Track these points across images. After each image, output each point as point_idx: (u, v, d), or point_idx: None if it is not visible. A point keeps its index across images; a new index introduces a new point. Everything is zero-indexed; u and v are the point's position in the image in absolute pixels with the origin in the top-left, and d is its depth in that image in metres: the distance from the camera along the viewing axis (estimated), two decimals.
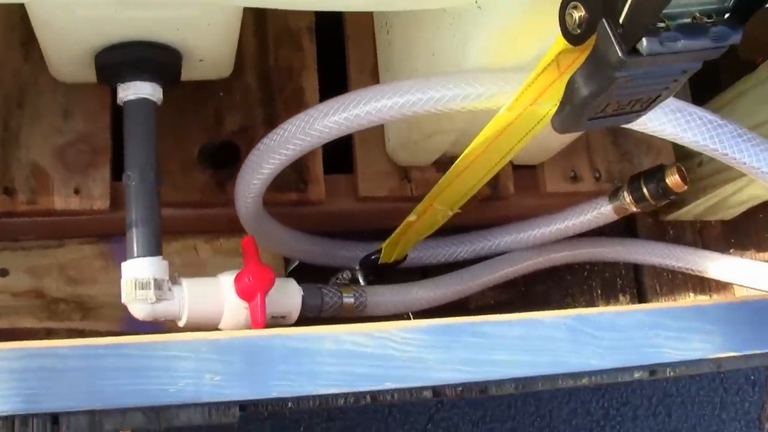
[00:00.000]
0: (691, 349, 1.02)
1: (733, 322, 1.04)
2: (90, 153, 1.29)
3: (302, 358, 0.89)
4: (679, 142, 1.08)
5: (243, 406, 1.49)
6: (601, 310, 1.00)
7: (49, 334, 1.33)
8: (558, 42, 0.87)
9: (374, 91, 1.05)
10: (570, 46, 0.84)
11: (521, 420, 2.03)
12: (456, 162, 1.09)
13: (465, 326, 0.93)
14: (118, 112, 1.24)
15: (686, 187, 1.34)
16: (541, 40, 0.93)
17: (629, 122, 0.94)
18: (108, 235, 1.36)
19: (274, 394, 0.89)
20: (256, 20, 1.39)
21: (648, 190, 1.36)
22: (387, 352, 0.91)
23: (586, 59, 0.84)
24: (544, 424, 2.04)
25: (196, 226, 1.38)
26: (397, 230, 1.27)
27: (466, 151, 1.07)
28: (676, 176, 1.34)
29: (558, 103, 0.93)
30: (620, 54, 0.78)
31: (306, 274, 1.42)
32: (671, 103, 1.07)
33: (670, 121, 1.06)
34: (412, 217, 1.23)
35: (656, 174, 1.36)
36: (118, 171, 1.28)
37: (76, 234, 1.35)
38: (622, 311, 1.01)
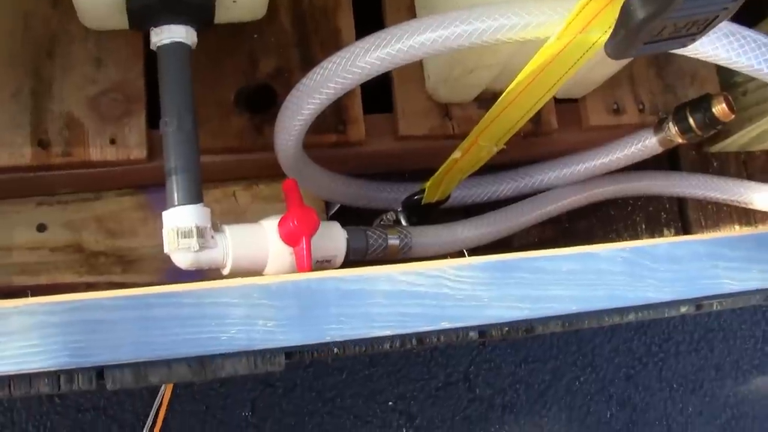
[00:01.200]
0: (751, 279, 0.99)
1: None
2: (124, 102, 1.26)
3: (356, 300, 0.87)
4: (734, 67, 1.04)
5: (288, 353, 1.49)
6: (657, 241, 0.97)
7: (89, 288, 1.31)
8: None
9: (416, 24, 1.02)
10: None
11: (563, 359, 2.02)
12: (502, 96, 1.06)
13: (520, 262, 0.91)
14: (151, 60, 1.22)
15: (734, 116, 1.31)
16: None
17: (684, 46, 0.91)
18: (146, 186, 1.34)
19: (328, 338, 0.87)
20: None
21: (694, 121, 1.33)
22: (442, 291, 0.89)
23: None
24: (586, 362, 2.03)
25: (235, 172, 1.35)
26: (441, 168, 1.24)
27: (511, 85, 1.04)
28: (723, 105, 1.31)
29: (609, 29, 0.90)
30: None
31: (347, 217, 1.40)
32: (724, 26, 1.03)
33: (723, 45, 1.02)
34: (456, 154, 1.20)
35: (703, 103, 1.33)
36: (153, 120, 1.27)
37: (113, 186, 1.32)
38: (678, 242, 0.98)
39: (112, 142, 1.25)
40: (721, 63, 1.05)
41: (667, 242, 0.97)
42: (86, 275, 1.31)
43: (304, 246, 1.13)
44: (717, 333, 2.13)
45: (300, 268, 1.14)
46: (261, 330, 0.86)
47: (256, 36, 1.31)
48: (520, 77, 1.03)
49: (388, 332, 0.88)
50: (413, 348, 1.48)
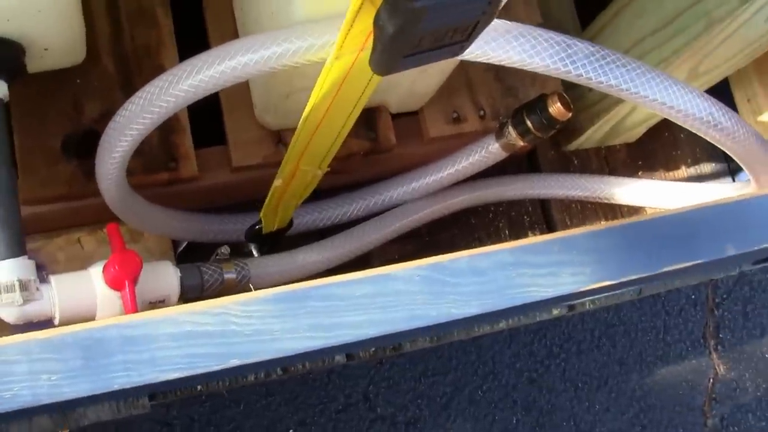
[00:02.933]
0: (562, 284, 0.98)
1: (602, 249, 1.01)
2: None
3: (140, 345, 0.85)
4: (529, 68, 1.04)
5: (152, 395, 1.46)
6: (457, 255, 0.95)
7: None
8: None
9: (206, 57, 1.01)
10: None
11: (464, 369, 2.01)
12: (302, 121, 1.05)
13: (309, 291, 0.89)
14: None
15: (570, 114, 1.30)
16: None
17: (455, 54, 0.90)
18: None
19: (116, 386, 0.84)
20: (107, 0, 1.33)
21: (532, 122, 1.32)
22: (229, 329, 0.87)
23: None
24: (487, 370, 2.02)
25: (74, 219, 1.33)
26: (269, 197, 1.22)
27: (308, 108, 1.03)
28: (558, 104, 1.30)
29: None
30: None
31: (199, 252, 1.38)
32: (515, 28, 1.02)
33: (514, 48, 1.01)
34: (278, 182, 1.18)
35: (538, 105, 1.32)
36: None
37: None
38: (480, 253, 0.96)
39: None
40: (517, 65, 1.04)
41: (468, 255, 0.95)
42: None
43: (128, 290, 1.11)
44: (618, 328, 2.13)
45: (126, 311, 1.12)
46: (45, 384, 0.84)
47: (78, 81, 1.29)
48: (315, 100, 1.01)
49: (176, 375, 0.86)
50: (279, 376, 1.47)
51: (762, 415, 2.20)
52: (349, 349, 0.93)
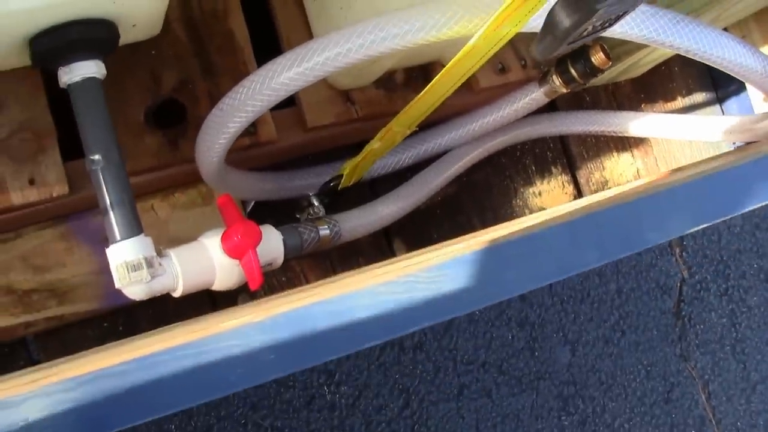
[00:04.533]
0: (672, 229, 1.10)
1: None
2: (35, 140, 1.24)
3: (344, 317, 0.92)
4: (629, 38, 1.13)
5: None
6: (590, 205, 1.05)
7: (28, 327, 1.31)
8: None
9: (335, 37, 1.06)
10: None
11: None
12: (425, 90, 1.12)
13: (482, 253, 0.98)
14: (53, 91, 1.21)
15: (611, 63, 1.41)
16: None
17: (596, 36, 0.99)
18: (63, 215, 1.34)
19: (325, 360, 0.92)
20: None
21: (576, 71, 1.42)
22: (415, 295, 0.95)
23: None
24: None
25: (153, 187, 1.36)
26: (360, 157, 1.29)
27: (434, 80, 1.10)
28: (601, 54, 1.40)
29: (519, 24, 0.97)
30: None
31: (262, 212, 1.44)
32: None
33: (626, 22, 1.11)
34: (376, 144, 1.25)
35: (581, 54, 1.42)
36: (67, 152, 1.26)
37: (34, 222, 1.31)
38: (607, 206, 1.07)
39: (31, 182, 1.23)
40: (618, 36, 1.14)
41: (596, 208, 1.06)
42: (22, 315, 1.30)
43: (252, 258, 1.17)
44: None
45: (251, 278, 1.17)
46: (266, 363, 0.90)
47: (153, 52, 1.31)
48: (441, 73, 1.09)
49: (375, 342, 0.94)
50: None
51: (723, 313, 2.41)
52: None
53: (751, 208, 1.18)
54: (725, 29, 1.73)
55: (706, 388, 2.38)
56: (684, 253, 2.39)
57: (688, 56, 1.19)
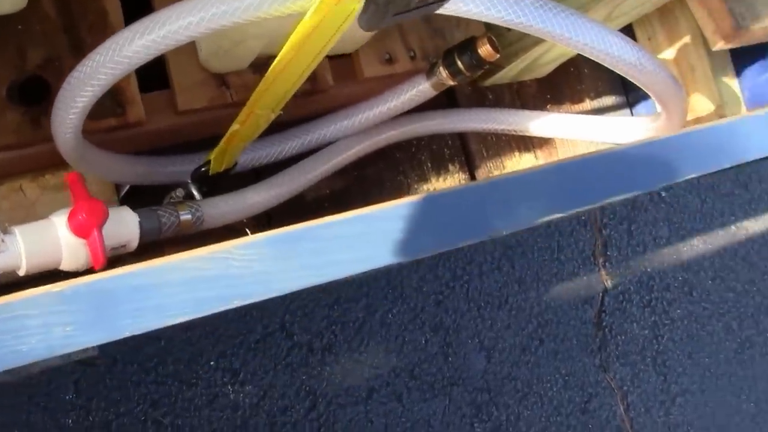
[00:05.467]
0: (518, 218, 1.07)
1: (556, 184, 1.10)
2: None
3: (148, 292, 0.90)
4: (486, 20, 1.11)
5: None
6: (426, 192, 1.03)
7: None
8: None
9: (178, 9, 1.03)
10: None
11: (374, 295, 2.09)
12: (270, 67, 1.09)
13: (302, 232, 0.95)
14: None
15: (498, 55, 1.39)
16: None
17: (434, 11, 0.96)
18: None
19: (127, 333, 0.89)
20: None
21: (462, 63, 1.40)
22: (230, 272, 0.92)
23: None
24: (396, 294, 2.11)
25: (19, 166, 1.33)
26: (223, 140, 1.26)
27: (278, 56, 1.07)
28: (488, 46, 1.38)
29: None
30: None
31: (142, 196, 1.41)
32: None
33: (474, 2, 1.08)
34: (235, 126, 1.22)
35: (468, 46, 1.40)
36: None
37: None
38: (449, 191, 1.04)
39: None
40: (475, 18, 1.11)
41: (441, 191, 1.03)
42: None
43: (96, 237, 1.14)
44: (516, 249, 2.26)
45: (95, 259, 1.15)
46: (61, 335, 0.87)
47: (20, 27, 1.28)
48: (284, 50, 1.06)
49: (183, 318, 0.91)
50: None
51: (645, 324, 2.38)
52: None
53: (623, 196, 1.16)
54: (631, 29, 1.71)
55: (625, 400, 2.35)
56: (607, 263, 2.37)
57: (556, 43, 1.17)
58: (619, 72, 1.26)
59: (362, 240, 0.98)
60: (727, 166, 1.23)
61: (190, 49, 1.35)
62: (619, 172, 1.16)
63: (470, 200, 1.06)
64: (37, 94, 1.29)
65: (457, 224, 1.05)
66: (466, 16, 1.10)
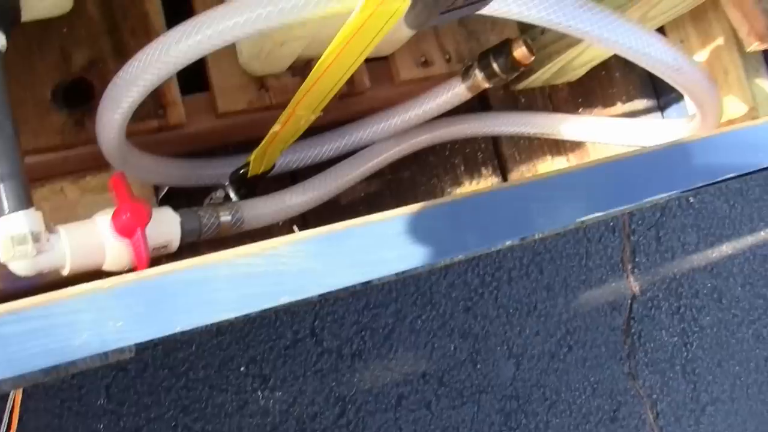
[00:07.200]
0: (561, 216, 1.08)
1: (592, 185, 1.10)
2: None
3: (199, 288, 0.90)
4: (527, 20, 1.11)
5: None
6: (471, 192, 1.04)
7: None
8: None
9: (224, 9, 1.04)
10: None
11: (403, 301, 2.10)
12: (314, 69, 1.10)
13: (347, 232, 0.96)
14: None
15: (533, 57, 1.39)
16: None
17: (479, 10, 0.97)
18: None
19: (178, 329, 0.89)
20: None
21: (498, 65, 1.40)
22: (278, 268, 0.93)
23: None
24: (425, 300, 2.12)
25: (61, 168, 1.34)
26: (263, 141, 1.27)
27: (322, 57, 1.07)
28: (523, 48, 1.38)
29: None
30: None
31: (178, 198, 1.42)
32: None
33: (516, 2, 1.09)
34: (276, 127, 1.23)
35: (503, 49, 1.40)
36: None
37: None
38: (489, 191, 1.05)
39: None
40: (515, 18, 1.12)
41: (480, 192, 1.04)
42: None
43: (140, 237, 1.15)
44: (545, 255, 2.26)
45: (138, 258, 1.15)
46: (113, 330, 0.88)
47: (65, 30, 1.30)
48: (329, 50, 1.06)
49: (233, 314, 0.91)
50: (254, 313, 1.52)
51: (674, 331, 2.38)
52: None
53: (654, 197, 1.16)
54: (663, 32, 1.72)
55: (654, 408, 2.34)
56: (636, 270, 2.36)
57: (594, 44, 1.17)
58: (655, 73, 1.26)
59: (405, 238, 0.98)
60: (765, 166, 1.23)
61: (230, 52, 1.36)
62: (653, 174, 1.16)
63: (506, 201, 1.07)
64: (81, 97, 1.30)
65: (496, 225, 1.06)
66: (508, 17, 1.11)
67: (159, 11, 1.34)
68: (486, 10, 1.07)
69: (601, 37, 1.15)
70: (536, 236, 1.72)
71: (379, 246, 0.97)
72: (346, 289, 0.98)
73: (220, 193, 1.33)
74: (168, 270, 0.91)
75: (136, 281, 0.89)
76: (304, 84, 1.15)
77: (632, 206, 1.13)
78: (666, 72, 1.25)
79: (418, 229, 0.99)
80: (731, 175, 1.22)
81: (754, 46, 1.49)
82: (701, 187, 1.21)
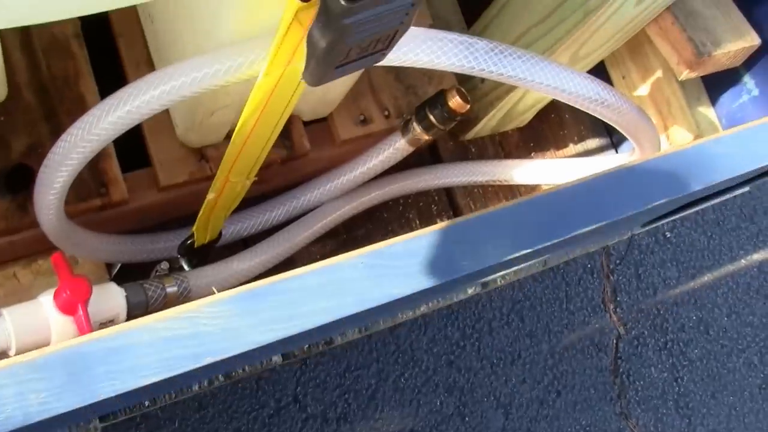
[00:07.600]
0: (487, 256, 1.08)
1: (519, 223, 1.11)
2: None
3: (121, 355, 0.91)
4: (438, 67, 1.13)
5: (101, 416, 1.50)
6: (394, 240, 1.05)
7: None
8: (290, 0, 0.90)
9: (139, 85, 1.07)
10: (303, 2, 0.88)
11: (385, 360, 2.10)
12: (234, 133, 1.12)
13: (267, 288, 0.97)
14: None
15: (469, 106, 1.41)
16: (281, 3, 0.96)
17: (378, 61, 0.99)
18: None
19: (101, 396, 0.90)
20: (20, 35, 1.37)
21: (434, 117, 1.42)
22: (200, 330, 0.94)
23: (318, 12, 0.88)
24: (407, 358, 2.12)
25: (11, 253, 1.36)
26: (202, 211, 1.29)
27: (240, 122, 1.10)
28: (457, 98, 1.41)
29: None
30: (343, 2, 0.83)
31: (134, 273, 1.43)
32: (422, 33, 1.12)
33: (424, 51, 1.11)
34: (210, 196, 1.25)
35: (438, 100, 1.42)
36: None
37: None
38: (413, 237, 1.06)
39: None
40: (427, 66, 1.14)
41: (403, 239, 1.05)
42: None
43: (82, 313, 1.16)
44: (524, 303, 2.26)
45: (81, 333, 1.17)
46: (35, 403, 0.89)
47: (2, 118, 1.33)
48: (245, 115, 1.09)
49: (156, 378, 0.92)
50: (222, 384, 1.53)
51: (663, 367, 2.36)
52: (297, 341, 1.01)
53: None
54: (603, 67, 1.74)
55: None
56: (618, 309, 2.36)
57: (515, 85, 1.19)
58: (582, 109, 1.28)
59: (326, 290, 0.99)
60: (699, 188, 1.24)
61: (167, 126, 1.39)
62: (580, 206, 1.17)
63: (427, 247, 1.08)
64: (23, 182, 1.33)
65: (429, 268, 1.07)
66: (419, 66, 1.13)
67: (94, 91, 1.37)
68: (393, 62, 1.09)
69: (517, 77, 1.17)
70: (499, 282, 1.72)
71: (301, 300, 0.98)
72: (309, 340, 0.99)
73: (164, 265, 1.35)
74: (88, 339, 0.92)
75: (55, 352, 0.90)
76: (229, 150, 1.17)
77: (561, 239, 1.14)
78: (591, 107, 1.26)
79: (335, 282, 1.01)
80: (667, 199, 1.22)
81: (685, 74, 1.50)
82: (635, 214, 1.22)
